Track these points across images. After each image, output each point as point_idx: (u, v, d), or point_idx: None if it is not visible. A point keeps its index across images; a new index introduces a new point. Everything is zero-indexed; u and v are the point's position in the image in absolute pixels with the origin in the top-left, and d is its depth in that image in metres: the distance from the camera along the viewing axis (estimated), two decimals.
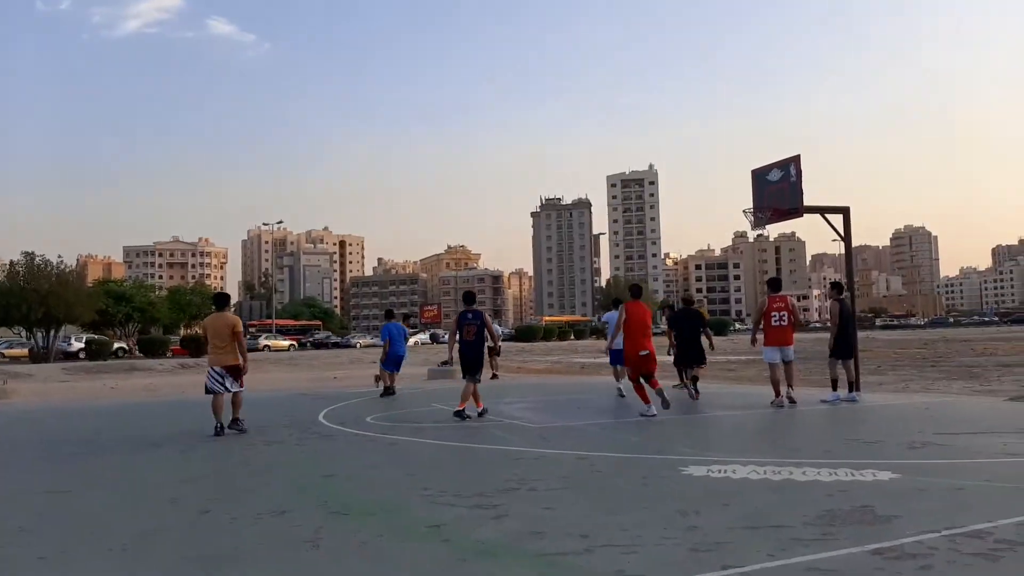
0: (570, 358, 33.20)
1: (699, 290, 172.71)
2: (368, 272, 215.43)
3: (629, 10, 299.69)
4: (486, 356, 10.98)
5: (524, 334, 70.42)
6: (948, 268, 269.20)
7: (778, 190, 13.27)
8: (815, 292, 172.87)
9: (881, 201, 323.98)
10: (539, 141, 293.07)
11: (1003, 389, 13.24)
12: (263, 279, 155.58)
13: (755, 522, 4.30)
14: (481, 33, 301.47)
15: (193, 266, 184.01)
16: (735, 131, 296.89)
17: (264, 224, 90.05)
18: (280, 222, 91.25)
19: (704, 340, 12.24)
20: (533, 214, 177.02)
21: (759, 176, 13.73)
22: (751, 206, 13.81)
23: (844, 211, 13.19)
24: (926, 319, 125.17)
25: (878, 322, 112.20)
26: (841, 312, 11.10)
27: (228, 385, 8.94)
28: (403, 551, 3.98)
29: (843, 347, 11.00)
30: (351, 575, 3.66)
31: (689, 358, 12.09)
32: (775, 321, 10.56)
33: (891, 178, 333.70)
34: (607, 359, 12.95)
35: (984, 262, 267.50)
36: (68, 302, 42.09)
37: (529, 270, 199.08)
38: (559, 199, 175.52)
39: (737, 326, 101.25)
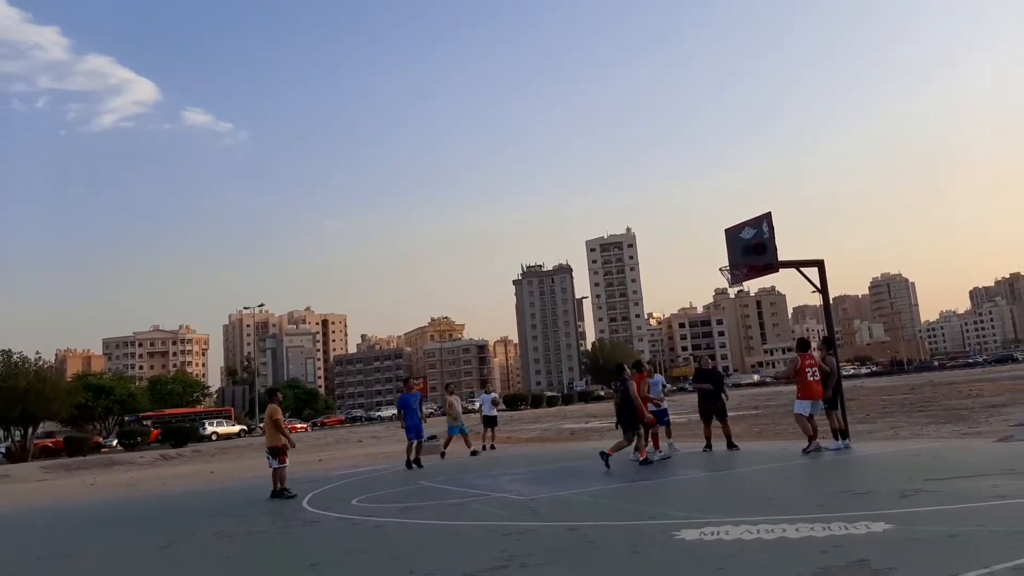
0: (560, 424, 32.84)
1: (684, 348, 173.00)
2: (352, 349, 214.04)
3: (596, 80, 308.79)
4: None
5: (512, 402, 69.91)
6: (928, 313, 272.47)
7: (753, 247, 13.45)
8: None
9: (857, 250, 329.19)
10: (518, 209, 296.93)
11: (991, 430, 13.22)
12: (245, 363, 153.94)
13: None
14: (457, 109, 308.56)
15: (174, 354, 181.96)
16: (710, 189, 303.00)
17: (245, 308, 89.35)
18: (261, 305, 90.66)
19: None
20: (515, 282, 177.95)
21: (732, 235, 13.93)
22: (727, 264, 13.99)
23: (819, 264, 13.38)
24: (908, 364, 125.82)
25: (935, 363, 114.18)
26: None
27: (270, 462, 11.42)
28: None
29: (835, 398, 11.70)
30: None
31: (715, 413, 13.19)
32: (810, 376, 11.14)
33: (865, 227, 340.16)
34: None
35: (963, 305, 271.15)
36: (46, 398, 41.40)
37: (514, 337, 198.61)
38: (540, 266, 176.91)
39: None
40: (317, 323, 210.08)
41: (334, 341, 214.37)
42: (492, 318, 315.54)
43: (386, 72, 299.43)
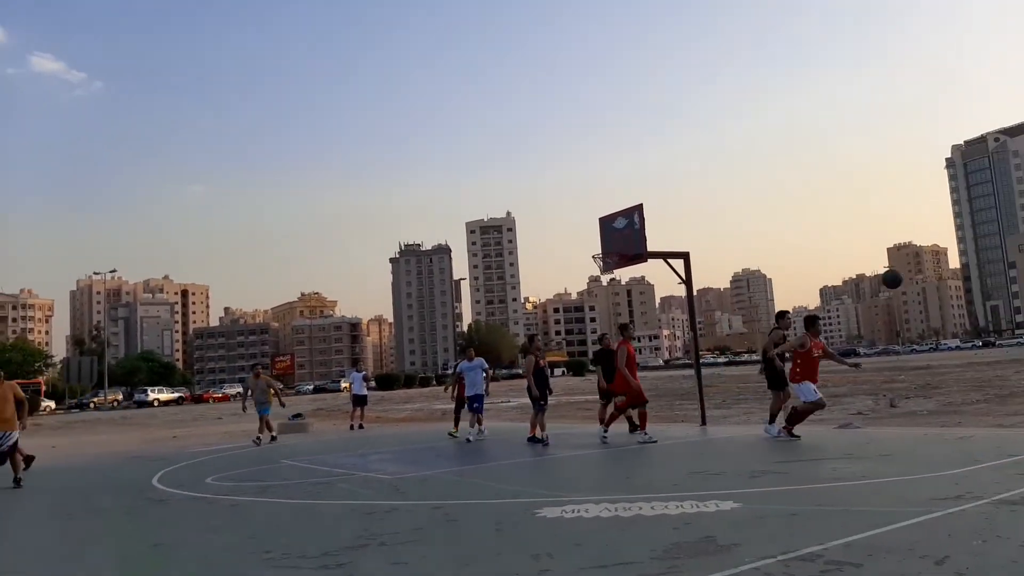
0: (431, 405, 32.79)
1: (558, 332, 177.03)
2: (214, 322, 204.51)
3: (482, 60, 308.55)
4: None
5: (384, 382, 69.22)
6: (782, 306, 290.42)
7: (624, 237, 13.89)
8: (664, 332, 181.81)
9: (722, 245, 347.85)
10: (396, 185, 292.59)
11: (833, 418, 14.25)
12: (94, 333, 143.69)
13: (606, 561, 4.30)
14: (336, 75, 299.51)
15: (14, 320, 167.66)
16: (587, 178, 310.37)
17: (96, 273, 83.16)
18: (114, 271, 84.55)
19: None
20: (392, 260, 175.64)
21: (606, 224, 14.34)
22: (600, 252, 14.38)
23: (684, 256, 13.98)
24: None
25: (787, 355, 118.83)
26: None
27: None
28: None
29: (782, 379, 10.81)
30: None
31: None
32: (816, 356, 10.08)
33: (730, 223, 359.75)
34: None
35: (813, 301, 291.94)
36: None
37: (389, 316, 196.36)
38: (419, 245, 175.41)
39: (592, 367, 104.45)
40: (176, 293, 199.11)
41: (194, 313, 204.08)
42: (367, 296, 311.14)
43: (261, 28, 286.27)
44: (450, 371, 15.47)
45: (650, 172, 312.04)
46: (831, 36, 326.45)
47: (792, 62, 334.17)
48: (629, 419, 12.34)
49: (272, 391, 15.66)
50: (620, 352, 11.10)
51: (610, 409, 12.06)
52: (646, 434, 11.04)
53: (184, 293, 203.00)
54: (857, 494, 6.03)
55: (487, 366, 13.16)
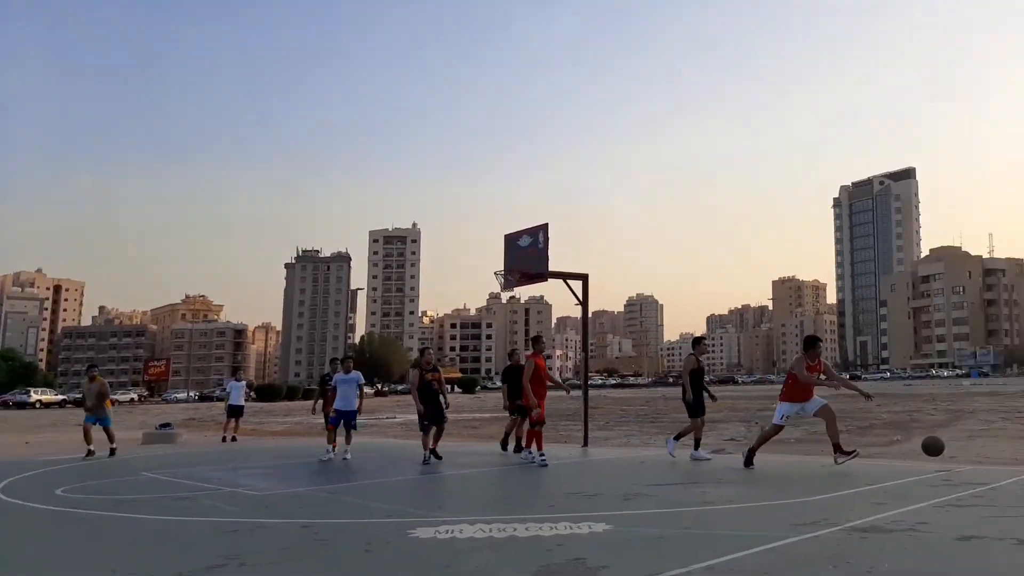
0: (312, 419, 31.81)
1: (453, 348, 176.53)
2: (87, 322, 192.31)
3: (394, 71, 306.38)
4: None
5: (265, 393, 66.91)
6: (671, 333, 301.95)
7: (527, 255, 14.04)
8: (558, 352, 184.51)
9: (619, 270, 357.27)
10: (297, 189, 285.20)
11: (708, 443, 14.75)
12: None
13: None
14: (237, 68, 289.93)
15: None
16: (494, 196, 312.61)
17: None
18: None
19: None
20: (287, 265, 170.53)
21: (511, 241, 14.46)
22: (502, 268, 14.47)
23: (583, 277, 14.26)
24: (649, 378, 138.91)
25: (671, 379, 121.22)
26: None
27: None
28: None
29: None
30: None
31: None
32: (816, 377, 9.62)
33: (629, 249, 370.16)
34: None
35: (700, 328, 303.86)
36: None
37: (278, 324, 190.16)
38: (317, 251, 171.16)
39: (488, 384, 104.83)
40: (48, 288, 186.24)
41: (66, 311, 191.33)
42: (257, 302, 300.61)
43: (144, 10, 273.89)
44: (329, 383, 13.50)
45: (554, 194, 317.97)
46: (726, 76, 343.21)
47: (688, 97, 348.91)
48: (518, 438, 12.26)
49: (107, 399, 14.19)
50: (527, 365, 10.81)
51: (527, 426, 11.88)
52: (540, 453, 10.52)
53: (56, 289, 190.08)
54: (723, 518, 6.23)
55: (363, 381, 12.39)
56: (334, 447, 12.31)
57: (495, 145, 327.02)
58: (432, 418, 11.04)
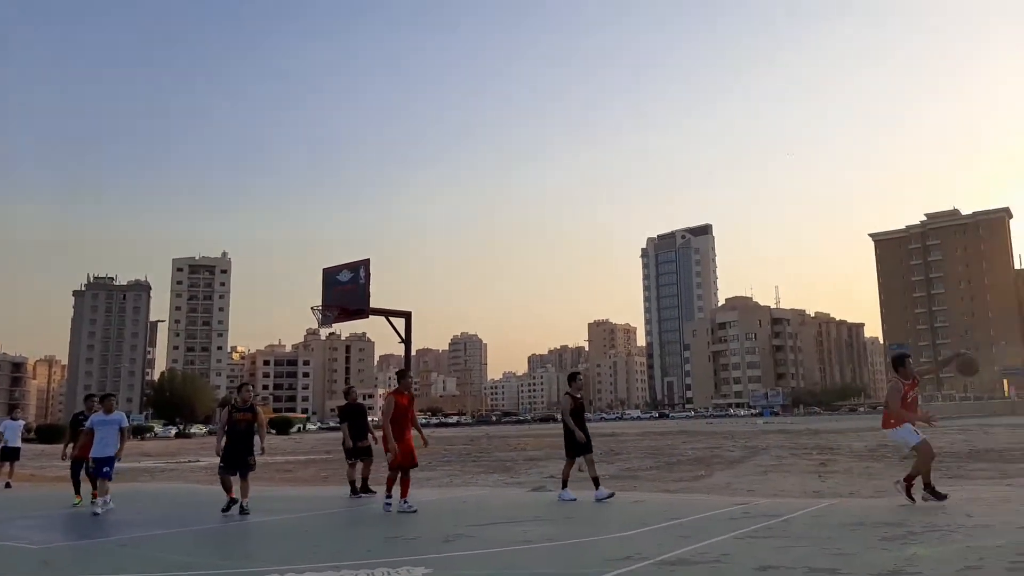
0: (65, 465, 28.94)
1: (265, 387, 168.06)
2: None
3: (198, 86, 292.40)
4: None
5: (47, 434, 60.36)
6: (494, 372, 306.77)
7: (347, 291, 13.72)
8: (380, 391, 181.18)
9: (444, 308, 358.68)
10: (90, 212, 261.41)
11: (529, 480, 14.99)
12: None
13: None
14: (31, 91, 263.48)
15: None
16: (310, 229, 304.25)
17: None
18: None
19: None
20: (76, 293, 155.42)
21: (330, 275, 14.07)
22: (320, 304, 14.01)
23: (406, 315, 14.13)
24: (473, 418, 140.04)
25: (493, 417, 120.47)
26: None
27: None
28: None
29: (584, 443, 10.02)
30: None
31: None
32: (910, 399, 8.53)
33: (453, 288, 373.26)
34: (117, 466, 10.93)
35: (522, 368, 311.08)
36: None
37: (64, 358, 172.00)
38: (111, 279, 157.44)
39: (308, 426, 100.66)
40: None
41: None
42: (40, 333, 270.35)
43: None
44: (84, 423, 11.46)
45: (376, 229, 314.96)
46: (543, 121, 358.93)
47: (507, 141, 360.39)
48: (364, 480, 11.76)
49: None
50: (387, 403, 9.47)
51: (360, 469, 11.69)
52: (406, 503, 9.26)
53: None
54: (541, 556, 6.28)
55: (126, 423, 10.73)
56: (84, 498, 10.87)
57: (311, 176, 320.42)
58: (230, 463, 9.71)
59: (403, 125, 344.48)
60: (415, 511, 9.12)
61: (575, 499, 10.00)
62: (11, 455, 16.08)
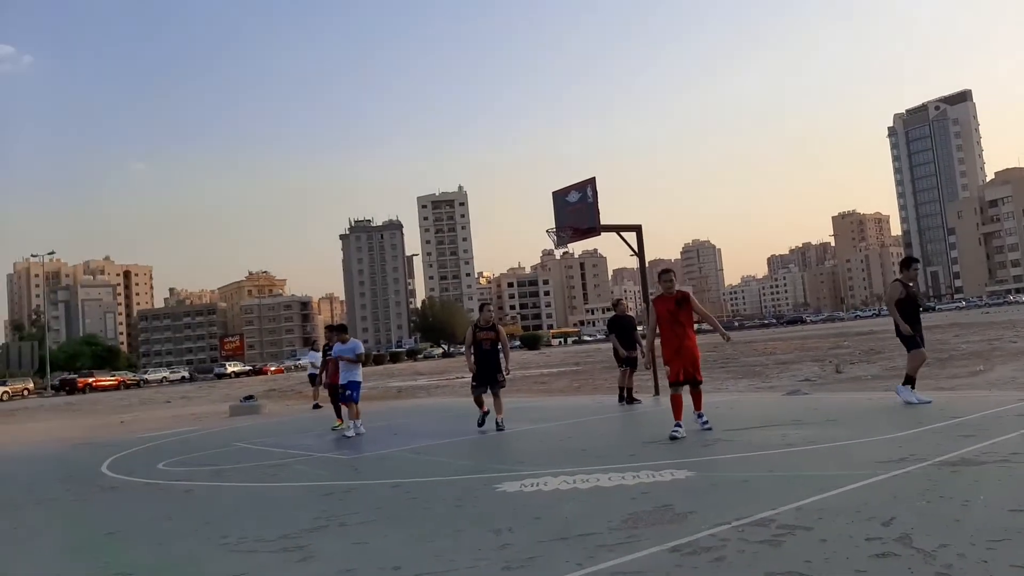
0: (386, 382, 32.67)
1: (512, 307, 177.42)
2: (159, 303, 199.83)
3: (428, 34, 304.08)
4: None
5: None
6: (731, 277, 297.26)
7: (577, 210, 13.98)
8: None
9: (673, 217, 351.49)
10: (346, 161, 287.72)
11: (781, 384, 14.66)
12: (34, 317, 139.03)
13: (565, 533, 4.35)
14: (284, 50, 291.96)
15: None
16: (538, 152, 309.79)
17: (33, 256, 79.70)
18: (52, 253, 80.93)
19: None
20: (342, 236, 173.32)
21: (559, 198, 14.40)
22: (554, 226, 14.45)
23: (637, 229, 14.10)
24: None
25: (736, 323, 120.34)
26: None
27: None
28: None
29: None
30: None
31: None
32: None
33: (681, 196, 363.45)
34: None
35: (762, 270, 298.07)
36: None
37: (340, 294, 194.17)
38: (369, 221, 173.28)
39: (552, 342, 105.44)
40: (118, 274, 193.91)
41: (138, 295, 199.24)
42: (317, 274, 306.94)
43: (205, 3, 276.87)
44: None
45: (601, 146, 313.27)
46: (776, 9, 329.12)
47: (739, 36, 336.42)
48: (628, 389, 12.20)
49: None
50: (651, 311, 8.65)
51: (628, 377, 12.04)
52: (700, 416, 8.44)
53: (126, 274, 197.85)
54: (806, 459, 6.21)
55: (361, 351, 11.30)
56: (345, 421, 11.66)
57: (534, 103, 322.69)
58: (481, 379, 10.12)
59: (620, 36, 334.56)
60: (709, 428, 8.15)
61: (929, 402, 8.82)
62: (317, 380, 18.77)
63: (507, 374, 10.23)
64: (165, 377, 74.58)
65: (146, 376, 72.77)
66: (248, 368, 74.51)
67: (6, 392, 54.48)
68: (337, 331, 11.85)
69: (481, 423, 10.10)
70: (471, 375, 10.29)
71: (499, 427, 9.94)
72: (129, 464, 9.82)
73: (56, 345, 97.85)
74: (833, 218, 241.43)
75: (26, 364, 61.27)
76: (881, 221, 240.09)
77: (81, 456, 11.50)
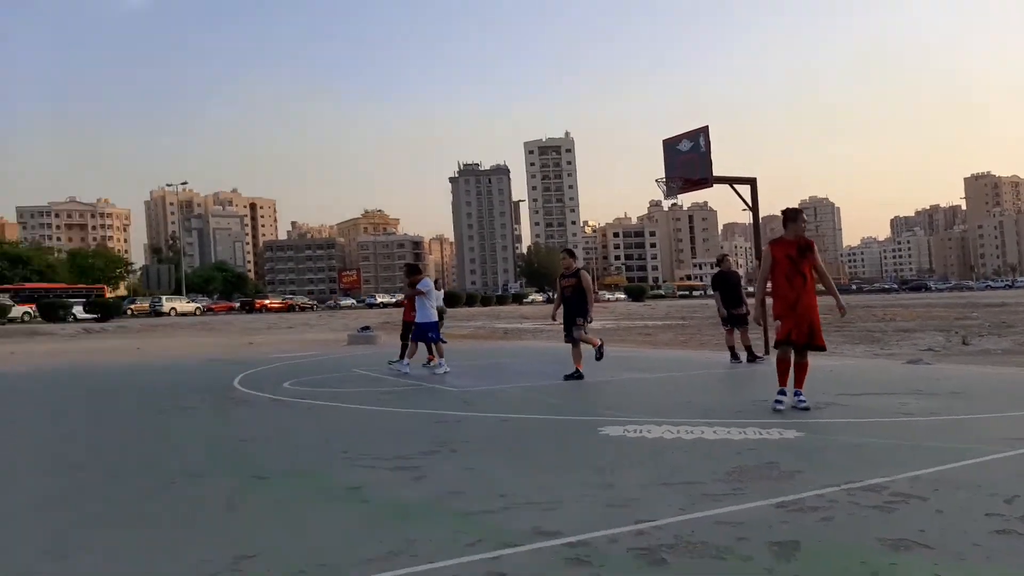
0: (493, 324, 33.37)
1: (617, 257, 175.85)
2: (281, 236, 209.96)
3: None
4: None
5: (447, 300, 70.69)
6: (850, 238, 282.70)
7: (688, 160, 13.56)
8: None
9: (789, 173, 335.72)
10: (458, 108, 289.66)
11: (902, 352, 14.01)
12: (170, 242, 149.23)
13: (668, 479, 4.43)
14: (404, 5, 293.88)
15: (94, 227, 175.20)
16: (649, 101, 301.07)
17: (168, 185, 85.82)
18: (185, 183, 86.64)
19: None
20: (451, 179, 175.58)
21: (670, 146, 13.99)
22: (663, 176, 14.09)
23: (751, 182, 13.58)
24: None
25: (853, 286, 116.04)
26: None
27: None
28: (322, 513, 3.93)
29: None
30: (269, 537, 3.56)
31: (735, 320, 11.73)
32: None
33: (798, 151, 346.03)
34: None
35: (884, 232, 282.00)
36: None
37: (450, 236, 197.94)
38: (477, 165, 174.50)
39: (659, 291, 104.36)
40: (245, 206, 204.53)
41: (263, 227, 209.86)
42: (427, 215, 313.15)
43: None
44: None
45: (714, 94, 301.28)
46: None
47: None
48: (747, 348, 11.72)
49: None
50: (764, 258, 7.56)
51: (738, 337, 11.64)
52: (799, 395, 7.05)
53: (252, 206, 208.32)
54: (926, 430, 5.98)
55: (431, 287, 11.44)
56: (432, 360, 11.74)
57: (643, 51, 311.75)
58: (565, 328, 10.08)
59: None
60: (807, 408, 6.83)
61: None
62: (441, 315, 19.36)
63: (589, 321, 10.05)
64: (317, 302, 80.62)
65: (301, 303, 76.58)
66: (196, 307, 64.97)
67: (198, 308, 60.83)
68: (410, 271, 11.84)
69: (599, 356, 10.14)
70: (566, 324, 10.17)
71: (570, 376, 9.85)
72: (257, 381, 10.59)
73: (191, 269, 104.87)
74: (965, 179, 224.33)
75: (164, 285, 66.26)
76: (1018, 185, 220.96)
77: (214, 371, 12.47)
